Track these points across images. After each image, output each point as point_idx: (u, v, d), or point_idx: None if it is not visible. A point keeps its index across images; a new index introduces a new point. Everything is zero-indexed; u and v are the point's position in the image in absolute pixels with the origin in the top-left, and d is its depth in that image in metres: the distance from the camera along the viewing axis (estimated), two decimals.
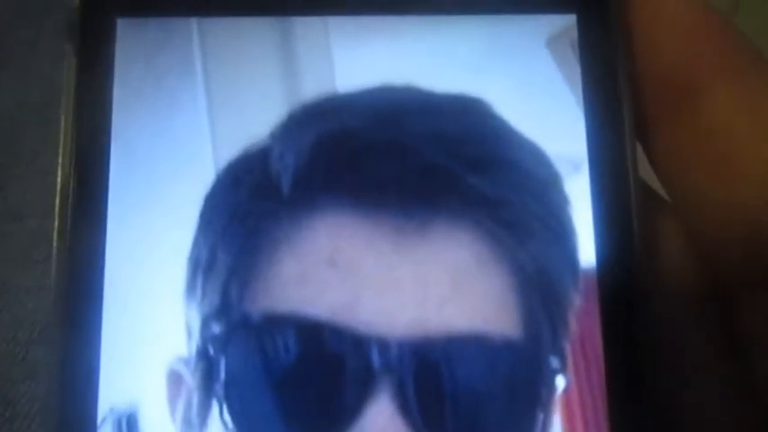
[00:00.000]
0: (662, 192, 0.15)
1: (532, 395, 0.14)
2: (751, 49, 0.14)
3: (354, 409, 0.13)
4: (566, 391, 0.14)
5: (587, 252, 0.14)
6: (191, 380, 0.14)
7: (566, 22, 0.14)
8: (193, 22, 0.14)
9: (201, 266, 0.14)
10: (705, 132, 0.14)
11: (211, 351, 0.14)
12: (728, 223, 0.13)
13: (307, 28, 0.15)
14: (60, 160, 0.14)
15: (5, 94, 0.22)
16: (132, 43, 0.14)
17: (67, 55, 0.14)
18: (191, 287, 0.14)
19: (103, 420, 0.13)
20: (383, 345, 0.13)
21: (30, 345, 0.21)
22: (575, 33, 0.14)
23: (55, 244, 0.13)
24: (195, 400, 0.14)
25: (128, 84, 0.14)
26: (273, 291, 0.14)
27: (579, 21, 0.14)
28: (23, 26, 0.21)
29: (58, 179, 0.13)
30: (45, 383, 0.20)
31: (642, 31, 0.14)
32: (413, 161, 0.14)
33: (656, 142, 0.14)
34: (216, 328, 0.14)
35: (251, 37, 0.15)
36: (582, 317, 0.14)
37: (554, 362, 0.14)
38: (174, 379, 0.14)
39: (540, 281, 0.14)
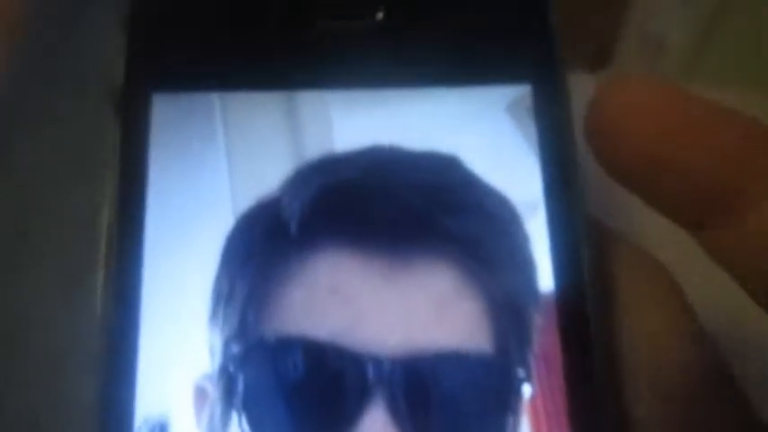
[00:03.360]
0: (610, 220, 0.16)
1: (504, 401, 0.16)
2: None
3: (353, 417, 0.15)
4: (531, 397, 0.16)
5: (546, 279, 0.16)
6: (214, 394, 0.16)
7: (522, 92, 0.17)
8: (216, 97, 0.17)
9: (223, 297, 0.16)
10: (759, 237, 0.14)
11: (231, 368, 0.16)
12: None
13: (309, 100, 0.17)
14: (107, 210, 0.16)
15: (47, 152, 0.24)
16: (165, 114, 0.17)
17: (111, 122, 0.17)
18: (214, 314, 0.16)
19: (139, 429, 0.15)
20: (377, 362, 0.15)
21: (57, 374, 0.23)
22: (529, 100, 0.17)
23: (101, 280, 0.16)
24: (218, 412, 0.16)
25: (162, 147, 0.17)
26: (284, 316, 0.16)
27: (533, 90, 0.17)
28: (69, 92, 0.24)
29: (104, 225, 0.16)
30: (71, 413, 0.22)
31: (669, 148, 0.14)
32: (399, 207, 0.16)
33: (713, 246, 0.15)
34: (235, 349, 0.16)
35: (263, 108, 0.17)
36: (543, 334, 0.16)
37: (521, 372, 0.16)
38: (200, 393, 0.16)
39: (507, 305, 0.16)
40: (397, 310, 0.16)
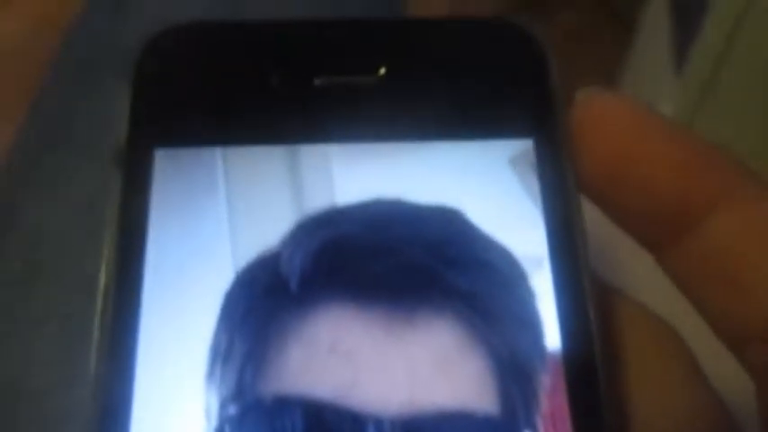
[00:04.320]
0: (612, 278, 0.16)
1: None
2: (737, 162, 0.15)
3: None
4: None
5: (552, 337, 0.16)
6: None
7: (525, 146, 0.17)
8: (217, 151, 0.17)
9: (221, 354, 0.16)
10: (711, 255, 0.15)
11: (228, 431, 0.15)
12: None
13: (310, 154, 0.17)
14: (104, 263, 0.16)
15: (57, 213, 0.25)
16: (167, 168, 0.17)
17: (114, 176, 0.17)
18: (211, 373, 0.16)
19: None
20: (378, 422, 0.15)
21: None
22: (532, 155, 0.17)
23: (96, 334, 0.15)
24: None
25: (163, 201, 0.17)
26: (282, 375, 0.16)
27: (535, 144, 0.17)
28: (80, 154, 0.24)
29: (102, 278, 0.16)
30: None
31: (627, 169, 0.15)
32: (400, 261, 0.16)
33: (671, 264, 0.15)
34: (232, 410, 0.15)
35: (264, 162, 0.17)
36: (551, 394, 0.16)
37: None
38: None
39: (513, 363, 0.16)
40: (399, 367, 0.15)
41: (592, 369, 0.15)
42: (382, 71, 0.18)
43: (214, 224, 0.17)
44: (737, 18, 0.54)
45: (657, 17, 0.71)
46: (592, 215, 0.17)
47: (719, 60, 0.49)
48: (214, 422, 0.15)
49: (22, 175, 0.25)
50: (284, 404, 0.15)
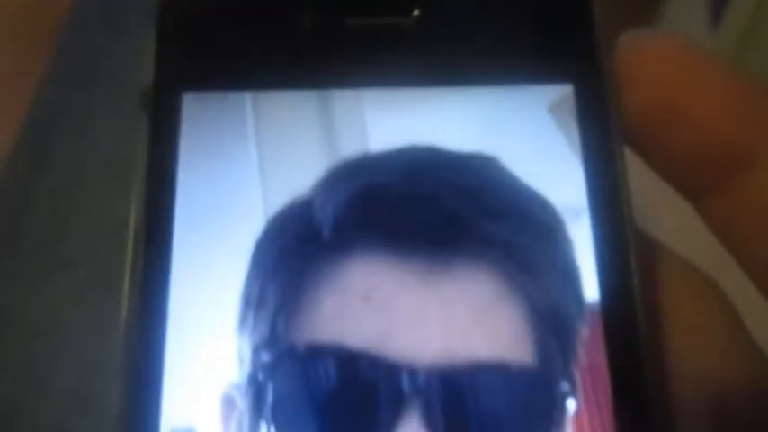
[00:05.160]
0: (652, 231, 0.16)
1: (546, 417, 0.15)
2: None
3: (387, 429, 0.15)
4: (576, 412, 0.15)
5: (591, 288, 0.16)
6: (242, 403, 0.15)
7: (564, 92, 0.17)
8: (247, 96, 0.17)
9: (253, 302, 0.16)
10: (753, 205, 0.14)
11: (260, 377, 0.15)
12: None
13: (342, 99, 0.17)
14: (132, 210, 0.16)
15: (86, 156, 0.24)
16: (196, 113, 0.16)
17: (141, 122, 0.16)
18: (243, 321, 0.15)
19: None
20: (412, 372, 0.15)
21: (83, 380, 0.22)
22: (572, 101, 0.17)
23: (126, 282, 0.15)
24: (246, 422, 0.15)
25: (192, 147, 0.16)
26: (315, 324, 0.15)
27: (575, 90, 0.17)
28: (108, 98, 0.24)
29: (132, 223, 0.15)
30: (98, 417, 0.21)
31: (683, 108, 0.14)
32: (436, 210, 0.16)
33: (712, 213, 0.15)
34: (265, 357, 0.15)
35: (295, 107, 0.17)
36: (588, 346, 0.15)
37: (565, 386, 0.15)
38: (228, 403, 0.15)
39: (550, 314, 0.16)
40: (435, 317, 0.15)
41: (632, 321, 0.15)
42: (416, 12, 0.17)
43: (244, 169, 0.16)
44: None
45: None
46: (632, 167, 0.16)
47: (755, 17, 0.48)
48: (247, 368, 0.15)
49: (50, 118, 0.25)
50: (318, 352, 0.15)
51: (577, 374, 0.15)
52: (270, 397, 0.15)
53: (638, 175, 0.16)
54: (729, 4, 0.48)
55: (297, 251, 0.16)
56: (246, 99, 0.17)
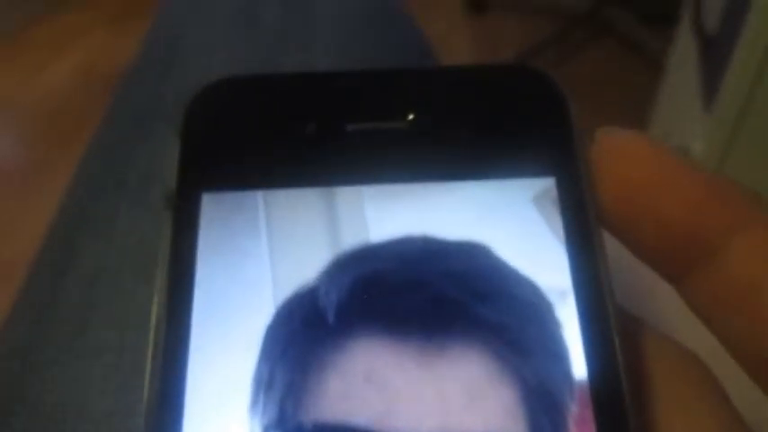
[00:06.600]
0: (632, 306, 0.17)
1: None
2: (748, 192, 0.15)
3: None
4: None
5: (579, 366, 0.16)
6: None
7: (547, 184, 0.18)
8: (259, 194, 0.18)
9: (263, 385, 0.17)
10: (727, 285, 0.15)
11: None
12: None
13: (345, 195, 0.18)
14: (155, 299, 0.17)
15: (112, 252, 0.26)
16: (214, 211, 0.18)
17: (165, 220, 0.18)
18: (254, 403, 0.17)
19: None
20: None
21: None
22: (554, 192, 0.18)
23: (148, 366, 0.16)
24: None
25: (210, 240, 0.18)
26: (321, 404, 0.16)
27: (557, 183, 0.18)
28: (134, 198, 0.26)
29: (153, 314, 0.17)
30: None
31: (640, 202, 0.15)
32: (431, 295, 0.17)
33: (690, 296, 0.16)
34: None
35: (302, 204, 0.18)
36: (578, 422, 0.16)
37: None
38: None
39: (541, 392, 0.17)
40: (431, 397, 0.16)
41: (619, 398, 0.16)
42: (411, 117, 0.19)
43: (256, 261, 0.18)
44: (766, 53, 0.54)
45: (686, 56, 0.71)
46: (614, 247, 0.17)
47: (749, 97, 0.50)
48: None
49: (78, 218, 0.27)
50: (323, 431, 0.16)
51: None
52: None
53: (622, 254, 0.18)
54: (723, 86, 0.49)
55: (303, 335, 0.17)
56: (258, 197, 0.18)
